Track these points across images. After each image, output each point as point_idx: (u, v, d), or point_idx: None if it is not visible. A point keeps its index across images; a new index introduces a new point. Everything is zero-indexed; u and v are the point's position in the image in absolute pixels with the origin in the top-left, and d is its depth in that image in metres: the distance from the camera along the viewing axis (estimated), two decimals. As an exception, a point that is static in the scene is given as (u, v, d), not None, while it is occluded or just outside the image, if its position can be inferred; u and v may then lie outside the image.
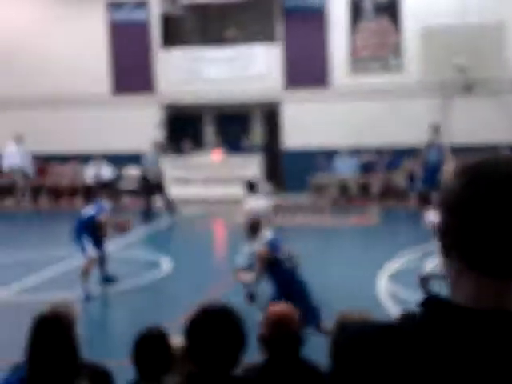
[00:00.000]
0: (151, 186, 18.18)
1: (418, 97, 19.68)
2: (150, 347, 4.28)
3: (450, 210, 1.46)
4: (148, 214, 17.83)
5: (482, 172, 1.44)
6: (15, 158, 20.98)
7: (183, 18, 22.56)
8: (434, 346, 1.41)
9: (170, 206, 18.33)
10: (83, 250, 11.05)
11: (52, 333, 3.88)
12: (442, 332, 1.41)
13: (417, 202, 17.86)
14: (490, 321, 1.39)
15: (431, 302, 1.47)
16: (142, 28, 21.55)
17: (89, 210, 11.38)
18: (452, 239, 1.46)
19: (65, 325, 3.93)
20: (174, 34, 22.34)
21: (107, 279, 11.55)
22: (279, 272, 8.38)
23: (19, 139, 20.83)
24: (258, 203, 11.98)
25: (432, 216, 8.69)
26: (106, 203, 11.46)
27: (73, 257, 12.36)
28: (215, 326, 3.18)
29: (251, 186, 9.69)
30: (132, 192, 20.57)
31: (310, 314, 7.69)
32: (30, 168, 21.22)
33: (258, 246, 8.61)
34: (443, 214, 1.49)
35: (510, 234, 1.39)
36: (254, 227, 8.84)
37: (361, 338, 1.52)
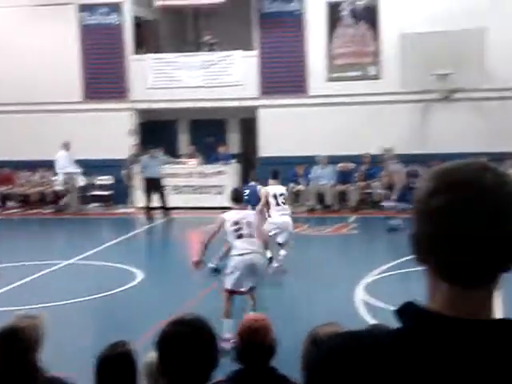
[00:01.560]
0: (152, 186, 18.28)
1: (397, 105, 19.44)
2: (113, 366, 4.04)
3: (418, 218, 1.46)
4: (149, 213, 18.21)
5: (450, 179, 1.44)
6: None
7: (157, 22, 22.20)
8: (411, 354, 1.40)
9: (166, 207, 18.37)
10: None
11: (8, 348, 3.75)
12: (418, 340, 1.41)
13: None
14: (462, 329, 1.39)
15: (408, 309, 1.46)
16: (114, 32, 21.12)
17: None
18: (422, 248, 1.45)
19: (24, 340, 3.76)
20: (147, 38, 21.95)
21: None
22: None
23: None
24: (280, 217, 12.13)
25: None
26: None
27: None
28: (186, 339, 3.07)
29: (237, 198, 9.15)
30: (103, 198, 20.31)
31: None
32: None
33: None
34: (413, 223, 1.48)
35: (474, 244, 1.38)
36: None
37: (338, 349, 1.49)
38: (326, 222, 17.72)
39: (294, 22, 20.37)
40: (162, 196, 18.44)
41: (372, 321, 8.88)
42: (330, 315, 8.81)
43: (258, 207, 12.01)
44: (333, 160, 19.44)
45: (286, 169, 19.33)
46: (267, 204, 12.25)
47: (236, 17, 20.90)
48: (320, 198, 19.51)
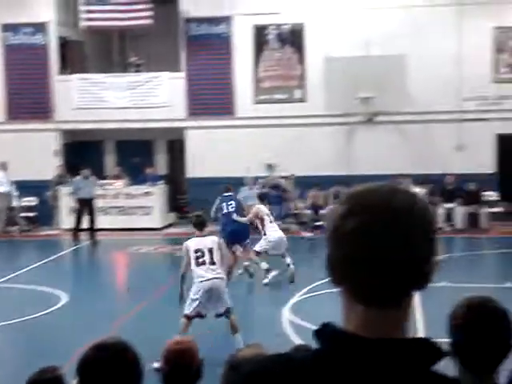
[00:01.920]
0: (85, 207, 18.09)
1: (322, 127, 19.79)
2: None
3: (332, 240, 1.48)
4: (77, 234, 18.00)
5: (362, 201, 1.45)
6: None
7: (83, 43, 22.03)
8: (325, 375, 1.42)
9: (94, 229, 18.16)
10: None
11: None
12: (333, 361, 1.43)
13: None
14: (376, 349, 1.41)
15: (325, 330, 1.47)
16: (39, 52, 20.83)
17: None
18: (337, 271, 1.47)
19: None
20: (73, 59, 21.73)
21: None
22: None
23: None
24: None
25: None
26: None
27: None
28: (108, 365, 2.97)
29: (201, 224, 9.13)
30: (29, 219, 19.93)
31: None
32: None
33: None
34: (327, 245, 1.50)
35: (387, 264, 1.41)
36: None
37: (255, 373, 1.49)
38: (255, 243, 17.76)
39: (221, 45, 20.53)
40: (92, 217, 18.22)
41: (298, 341, 8.99)
42: (257, 336, 8.89)
43: (246, 220, 13.43)
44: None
45: (213, 190, 19.38)
46: (262, 222, 13.29)
47: (163, 38, 20.95)
48: (248, 219, 19.58)
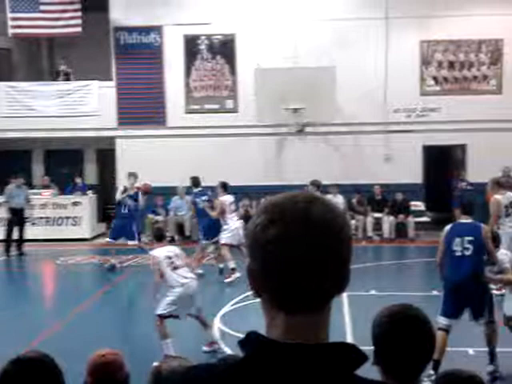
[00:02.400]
0: (16, 217, 17.67)
1: (252, 137, 19.89)
2: None
3: (251, 251, 1.51)
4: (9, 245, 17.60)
5: (279, 211, 1.48)
6: None
7: (11, 50, 21.60)
8: (248, 380, 1.45)
9: (22, 240, 17.76)
10: None
11: None
12: (255, 368, 1.45)
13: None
14: (295, 354, 1.43)
15: (249, 338, 1.50)
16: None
17: None
18: (257, 280, 1.50)
19: None
20: (1, 66, 21.30)
21: None
22: None
23: None
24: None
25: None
26: None
27: None
28: (28, 377, 2.94)
29: (161, 236, 9.56)
30: None
31: None
32: None
33: None
34: (249, 257, 1.52)
35: (307, 271, 1.45)
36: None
37: (178, 382, 1.55)
38: (185, 253, 17.69)
39: (152, 54, 20.44)
40: (22, 228, 17.79)
41: (228, 351, 8.99)
42: (187, 346, 8.84)
43: (214, 214, 14.16)
44: (191, 191, 19.52)
45: (147, 199, 19.24)
46: (223, 213, 13.98)
47: (94, 47, 20.72)
48: (179, 228, 19.52)
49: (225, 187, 14.61)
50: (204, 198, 14.88)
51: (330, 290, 1.51)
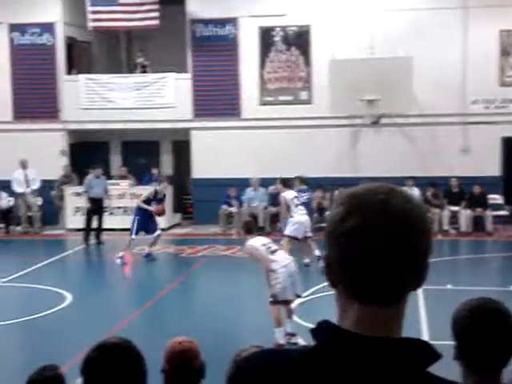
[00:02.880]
0: (96, 206, 18.06)
1: (326, 129, 19.80)
2: None
3: (330, 241, 1.50)
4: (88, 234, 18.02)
5: (360, 202, 1.47)
6: None
7: (90, 43, 22.12)
8: (319, 371, 1.44)
9: (101, 229, 18.16)
10: None
11: None
12: (326, 358, 1.45)
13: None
14: (369, 347, 1.42)
15: (321, 327, 1.49)
16: (47, 52, 20.89)
17: None
18: (334, 270, 1.50)
19: None
20: (80, 59, 21.82)
21: None
22: None
23: None
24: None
25: None
26: None
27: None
28: (112, 364, 2.99)
29: (251, 229, 9.74)
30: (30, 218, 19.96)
31: None
32: None
33: None
34: (326, 246, 1.53)
35: (384, 263, 1.44)
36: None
37: (250, 366, 1.54)
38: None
39: (227, 46, 20.56)
40: (100, 217, 18.22)
41: (304, 342, 9.01)
42: (259, 339, 8.93)
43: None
44: (265, 182, 19.65)
45: (219, 191, 19.46)
46: (288, 208, 14.38)
47: (170, 39, 20.99)
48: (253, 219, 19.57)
49: (285, 183, 14.89)
50: (305, 195, 15.47)
51: (407, 283, 1.49)
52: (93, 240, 18.13)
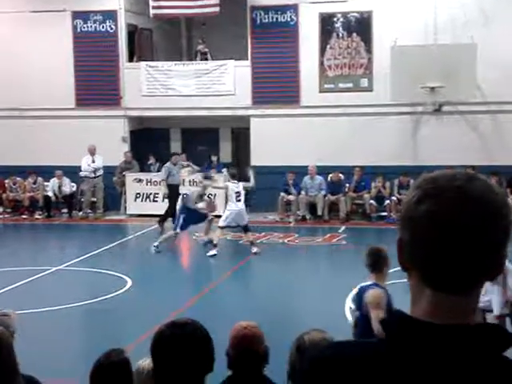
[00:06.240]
0: (175, 193, 17.95)
1: (387, 117, 19.55)
2: (109, 374, 4.04)
3: (404, 224, 1.48)
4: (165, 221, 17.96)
5: (436, 186, 1.45)
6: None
7: (151, 31, 22.30)
8: (395, 362, 1.43)
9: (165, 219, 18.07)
10: None
11: None
12: (402, 348, 1.43)
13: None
14: (445, 335, 1.41)
15: (393, 318, 1.49)
16: (109, 40, 21.14)
17: None
18: (407, 254, 1.47)
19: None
20: (141, 46, 22.03)
21: None
22: None
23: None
24: None
25: None
26: None
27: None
28: (182, 341, 3.05)
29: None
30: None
31: None
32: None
33: None
34: (400, 230, 1.50)
35: (459, 249, 1.41)
36: None
37: (324, 358, 1.52)
38: (317, 232, 17.81)
39: (287, 33, 20.45)
40: (175, 205, 18.28)
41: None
42: (318, 325, 8.89)
43: None
44: (324, 170, 19.53)
45: (277, 178, 19.44)
46: None
47: (230, 26, 21.00)
48: (311, 207, 19.56)
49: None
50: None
51: (480, 273, 1.46)
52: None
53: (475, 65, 17.96)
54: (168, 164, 18.41)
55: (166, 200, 18.20)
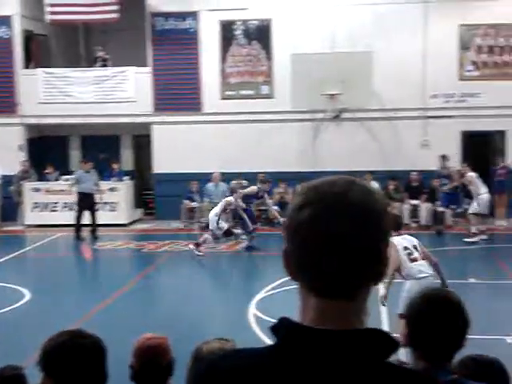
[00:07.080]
0: (86, 201, 17.67)
1: (288, 123, 19.80)
2: None
3: (287, 233, 1.48)
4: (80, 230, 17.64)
5: (317, 192, 1.46)
6: None
7: (48, 36, 21.75)
8: (280, 368, 1.43)
9: (96, 225, 17.78)
10: None
11: None
12: (286, 354, 1.44)
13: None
14: (327, 340, 1.41)
15: (280, 324, 1.48)
16: (3, 46, 20.50)
17: None
18: (291, 263, 1.47)
19: None
20: (38, 52, 21.45)
21: None
22: None
23: None
24: None
25: None
26: None
27: None
28: (72, 352, 2.97)
29: (400, 224, 8.92)
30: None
31: None
32: None
33: None
34: (284, 239, 1.50)
35: (337, 255, 1.41)
36: None
37: (215, 366, 1.52)
38: (220, 239, 17.77)
39: (187, 40, 20.41)
40: (94, 213, 17.88)
41: (263, 336, 9.00)
42: (223, 330, 8.89)
43: None
44: (227, 177, 19.57)
45: (180, 186, 19.33)
46: None
47: (130, 33, 20.77)
48: (190, 212, 19.53)
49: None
50: None
51: (362, 279, 1.47)
52: (90, 237, 17.73)
53: (371, 72, 18.43)
54: (78, 171, 18.17)
55: (75, 208, 17.92)
